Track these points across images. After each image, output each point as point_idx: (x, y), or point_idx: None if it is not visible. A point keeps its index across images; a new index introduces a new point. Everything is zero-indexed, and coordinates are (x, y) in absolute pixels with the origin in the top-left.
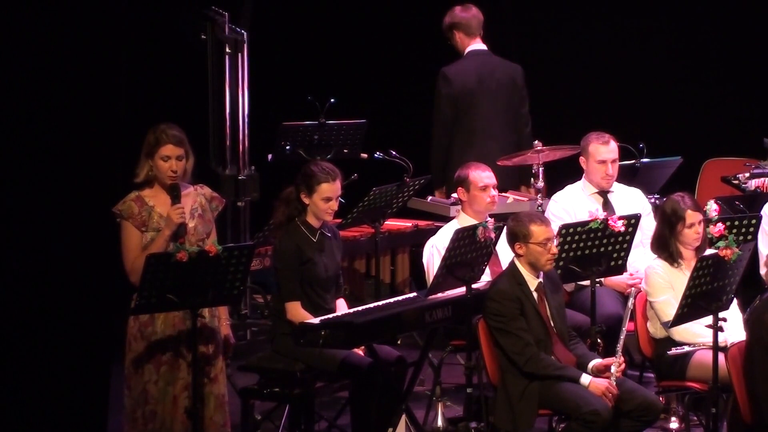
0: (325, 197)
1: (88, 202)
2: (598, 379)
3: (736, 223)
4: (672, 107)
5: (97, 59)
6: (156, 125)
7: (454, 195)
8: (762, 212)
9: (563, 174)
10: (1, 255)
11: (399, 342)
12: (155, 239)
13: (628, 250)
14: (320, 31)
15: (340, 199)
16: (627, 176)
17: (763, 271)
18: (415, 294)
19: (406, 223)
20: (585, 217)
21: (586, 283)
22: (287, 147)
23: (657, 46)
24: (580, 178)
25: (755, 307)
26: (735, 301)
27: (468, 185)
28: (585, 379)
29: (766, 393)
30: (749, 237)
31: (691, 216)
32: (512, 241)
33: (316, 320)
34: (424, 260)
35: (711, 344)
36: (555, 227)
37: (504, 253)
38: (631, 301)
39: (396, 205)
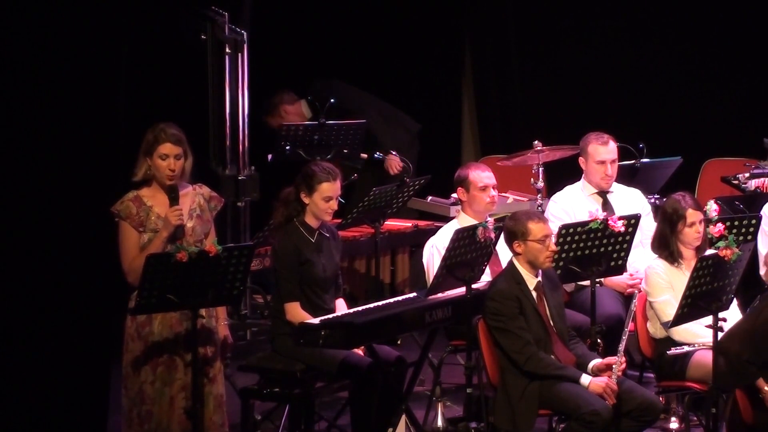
0: (326, 197)
1: (87, 201)
2: (598, 378)
3: (736, 223)
4: (672, 107)
5: (97, 59)
6: (155, 124)
7: (454, 195)
8: (762, 212)
9: (563, 174)
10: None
11: (399, 342)
12: (153, 240)
13: (628, 250)
14: (320, 31)
15: (340, 198)
16: (627, 176)
17: (762, 270)
18: (415, 294)
19: (406, 223)
20: (584, 218)
21: (586, 283)
22: (287, 147)
23: (657, 46)
24: (579, 179)
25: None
26: (735, 301)
27: (468, 185)
28: (585, 379)
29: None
30: (749, 237)
31: (692, 215)
32: (510, 239)
33: (316, 320)
34: (424, 260)
35: (711, 344)
36: (554, 228)
37: (504, 253)
38: (634, 302)
39: (396, 205)
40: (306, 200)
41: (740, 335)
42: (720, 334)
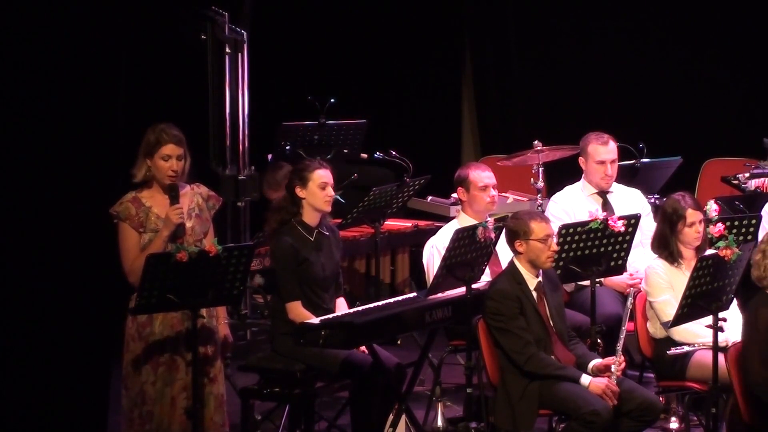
0: (322, 183)
1: (87, 202)
2: (598, 378)
3: (736, 223)
4: (672, 107)
5: (96, 59)
6: (155, 125)
7: (454, 195)
8: (762, 212)
9: (563, 174)
10: (0, 256)
11: (399, 342)
12: (153, 240)
13: (628, 250)
14: (320, 31)
15: (340, 198)
16: (627, 176)
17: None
18: (415, 294)
19: (406, 223)
20: (584, 218)
21: (586, 283)
22: (287, 147)
23: (657, 46)
24: (579, 179)
25: (753, 300)
26: (735, 301)
27: (468, 185)
28: (585, 379)
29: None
30: (749, 237)
31: (692, 215)
32: (512, 239)
33: (317, 320)
34: (424, 260)
35: (711, 344)
36: (555, 228)
37: (504, 253)
38: (630, 301)
39: (396, 205)
40: (302, 194)
41: (756, 356)
42: (720, 334)
